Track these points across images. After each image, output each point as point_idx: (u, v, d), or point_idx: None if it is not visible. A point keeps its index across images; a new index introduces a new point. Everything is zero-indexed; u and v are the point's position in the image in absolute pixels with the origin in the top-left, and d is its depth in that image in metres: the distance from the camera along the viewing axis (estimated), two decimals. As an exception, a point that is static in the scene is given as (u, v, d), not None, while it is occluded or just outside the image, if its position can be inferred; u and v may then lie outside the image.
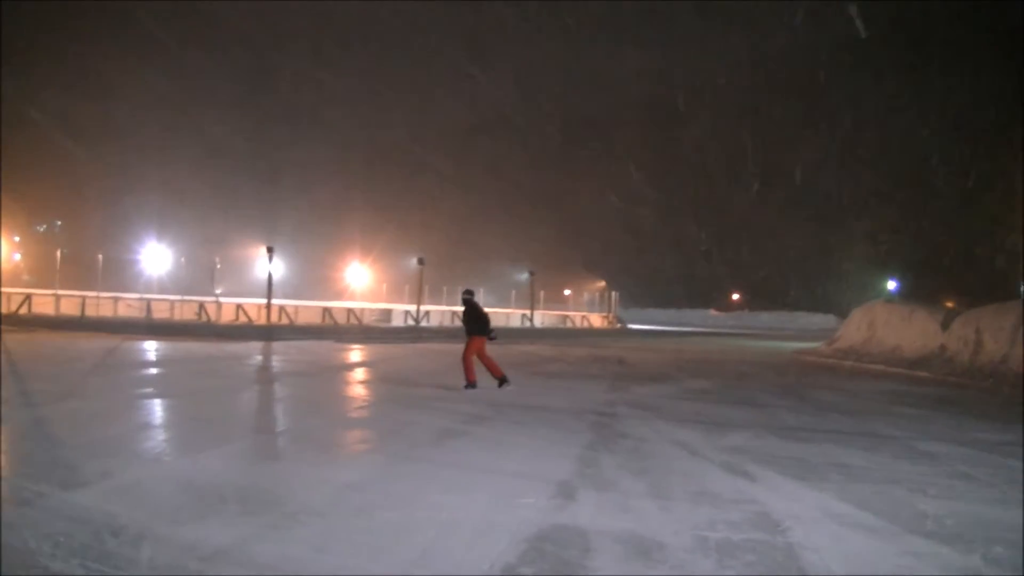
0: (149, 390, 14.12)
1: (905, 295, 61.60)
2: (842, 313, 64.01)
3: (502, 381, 15.02)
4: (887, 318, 29.90)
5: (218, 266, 46.53)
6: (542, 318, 59.37)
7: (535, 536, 5.85)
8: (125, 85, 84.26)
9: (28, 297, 38.42)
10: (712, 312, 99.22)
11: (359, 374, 18.99)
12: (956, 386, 20.01)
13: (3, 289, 40.70)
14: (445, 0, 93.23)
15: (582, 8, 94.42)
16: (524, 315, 56.67)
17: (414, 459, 8.67)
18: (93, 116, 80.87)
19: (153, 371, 17.50)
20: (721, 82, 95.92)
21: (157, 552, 5.26)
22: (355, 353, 25.11)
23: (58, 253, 43.79)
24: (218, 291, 45.16)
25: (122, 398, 12.89)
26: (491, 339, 15.55)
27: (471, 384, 14.86)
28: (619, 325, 65.30)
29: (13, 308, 37.34)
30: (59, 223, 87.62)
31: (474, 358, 15.10)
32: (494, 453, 9.15)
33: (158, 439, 9.46)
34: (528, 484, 7.56)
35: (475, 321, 15.51)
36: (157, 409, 12.01)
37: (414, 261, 51.09)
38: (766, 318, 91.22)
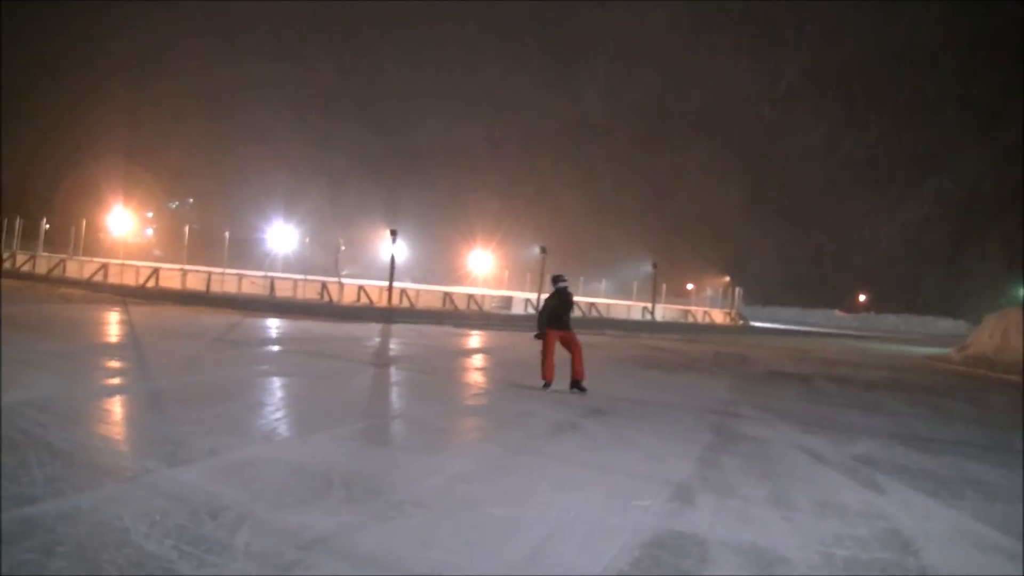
0: (264, 367, 14.04)
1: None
2: (972, 319, 61.95)
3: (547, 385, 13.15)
4: (1021, 326, 28.56)
5: (342, 248, 46.85)
6: (663, 312, 58.55)
7: (650, 542, 5.58)
8: (257, 69, 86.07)
9: (156, 271, 39.14)
10: (837, 312, 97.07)
11: (476, 360, 18.74)
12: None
13: (132, 262, 41.71)
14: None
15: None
16: (645, 308, 55.95)
17: (527, 452, 8.42)
18: (228, 100, 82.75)
19: (270, 349, 17.44)
20: (859, 73, 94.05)
21: (255, 537, 5.09)
22: (473, 339, 24.95)
23: (186, 229, 44.65)
24: (344, 272, 45.49)
25: (236, 375, 12.80)
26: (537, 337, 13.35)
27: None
28: (741, 322, 64.21)
29: (141, 281, 38.09)
30: (191, 200, 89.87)
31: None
32: (609, 450, 8.84)
33: (268, 419, 9.28)
34: (644, 485, 7.29)
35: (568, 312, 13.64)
36: (270, 388, 11.92)
37: (536, 250, 50.94)
38: (892, 321, 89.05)
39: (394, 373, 14.85)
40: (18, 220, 48.68)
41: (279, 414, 9.63)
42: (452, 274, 67.92)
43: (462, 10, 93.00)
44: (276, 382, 12.41)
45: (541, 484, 7.00)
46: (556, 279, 13.86)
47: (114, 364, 12.79)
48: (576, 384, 12.98)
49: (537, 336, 13.31)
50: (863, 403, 15.53)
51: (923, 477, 8.53)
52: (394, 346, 20.36)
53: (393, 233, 41.51)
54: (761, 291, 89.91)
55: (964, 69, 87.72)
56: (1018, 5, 72.89)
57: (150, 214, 78.49)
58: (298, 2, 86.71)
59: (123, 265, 40.81)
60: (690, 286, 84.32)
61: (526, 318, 40.62)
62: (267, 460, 7.13)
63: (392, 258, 40.94)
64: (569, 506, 6.33)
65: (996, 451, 11.06)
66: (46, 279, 39.29)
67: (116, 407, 9.38)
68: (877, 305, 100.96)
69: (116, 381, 11.15)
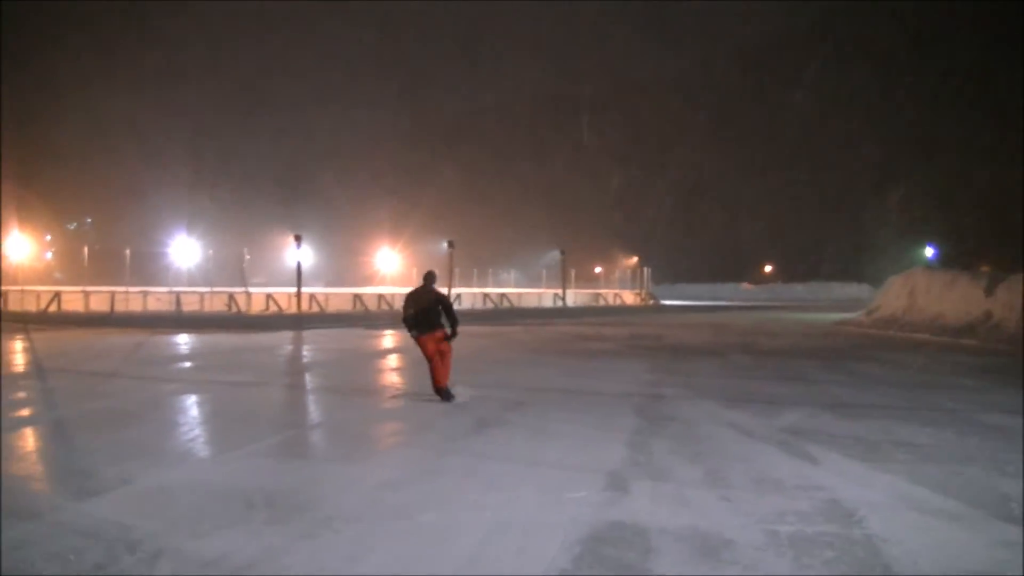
0: (173, 386, 13.61)
1: (941, 263, 60.59)
2: (876, 283, 63.31)
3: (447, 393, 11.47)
4: (927, 285, 29.23)
5: (247, 257, 46.28)
6: (574, 297, 58.92)
7: (589, 536, 5.38)
8: (147, 83, 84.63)
9: (57, 295, 38.38)
10: (745, 286, 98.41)
11: (390, 361, 18.52)
12: (1007, 354, 19.42)
13: (32, 288, 40.73)
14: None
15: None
16: (556, 295, 56.23)
17: (452, 452, 8.18)
18: (116, 115, 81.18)
19: (178, 366, 17.02)
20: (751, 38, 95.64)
21: (176, 569, 4.81)
22: (386, 339, 24.66)
23: (85, 250, 43.74)
24: (255, 280, 44.93)
25: (144, 397, 12.41)
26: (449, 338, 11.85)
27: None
28: (652, 301, 64.82)
29: (43, 306, 37.26)
30: (89, 220, 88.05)
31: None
32: (536, 443, 8.64)
33: (180, 440, 8.97)
34: (576, 476, 7.11)
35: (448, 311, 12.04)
36: (181, 407, 11.54)
37: (444, 244, 50.83)
38: (799, 290, 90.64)
39: (308, 381, 14.59)
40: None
41: (191, 434, 9.29)
42: (359, 274, 67.50)
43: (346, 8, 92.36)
44: (186, 401, 11.95)
45: (470, 485, 6.77)
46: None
47: (14, 396, 12.35)
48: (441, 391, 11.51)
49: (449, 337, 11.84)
50: (782, 374, 15.63)
51: (854, 444, 8.52)
52: (306, 353, 20.02)
53: (297, 238, 41.19)
54: (669, 269, 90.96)
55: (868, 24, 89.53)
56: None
57: (48, 237, 76.69)
58: (186, 9, 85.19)
59: (22, 291, 39.86)
60: (599, 269, 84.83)
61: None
62: (182, 485, 6.79)
63: (299, 264, 40.60)
64: (502, 505, 6.12)
65: (921, 411, 11.11)
66: (-60, 311, 38.13)
67: (20, 441, 8.97)
68: (783, 275, 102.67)
69: (18, 413, 10.72)
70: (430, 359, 11.52)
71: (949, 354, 19.71)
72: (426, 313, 11.76)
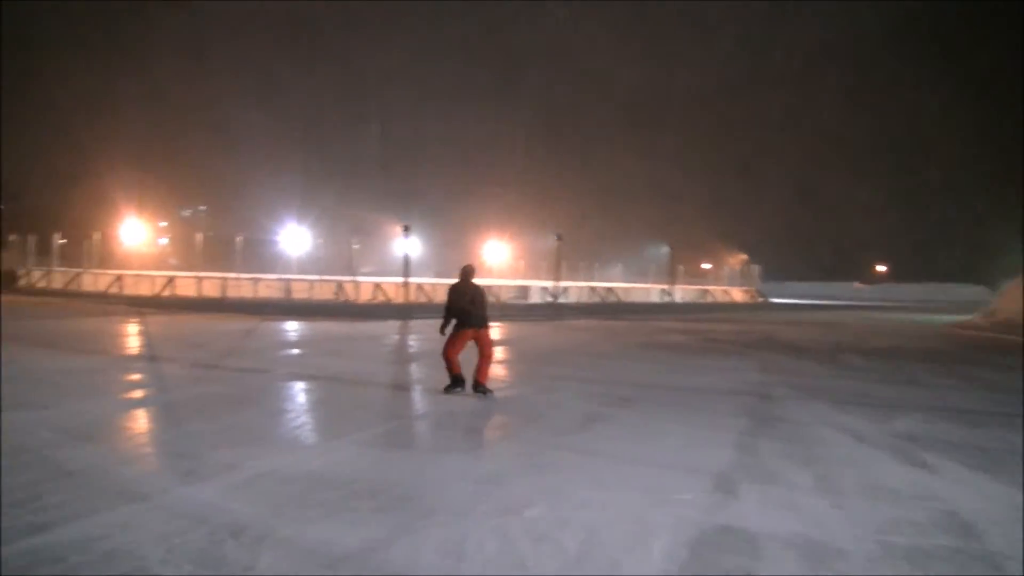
0: (280, 372, 13.64)
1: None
2: (993, 285, 61.29)
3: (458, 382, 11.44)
4: (1050, 288, 28.11)
5: (356, 246, 46.58)
6: (682, 293, 58.33)
7: (696, 540, 5.22)
8: (264, 71, 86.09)
9: (171, 279, 39.16)
10: (856, 285, 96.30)
11: (496, 353, 18.29)
12: None
13: (147, 272, 41.64)
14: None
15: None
16: (663, 290, 55.71)
17: (558, 447, 8.04)
18: (231, 105, 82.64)
19: (286, 352, 17.13)
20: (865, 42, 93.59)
21: (278, 558, 4.76)
22: (492, 331, 24.49)
23: (198, 236, 44.49)
24: (363, 269, 45.22)
25: (255, 383, 12.48)
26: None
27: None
28: (761, 299, 63.91)
29: (157, 291, 38.02)
30: (203, 208, 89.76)
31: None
32: (642, 440, 8.49)
33: (287, 426, 9.01)
34: (683, 476, 6.94)
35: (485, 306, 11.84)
36: (288, 393, 11.63)
37: (552, 238, 50.65)
38: (913, 290, 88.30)
39: (413, 371, 14.51)
40: (30, 237, 48.71)
41: (297, 421, 9.33)
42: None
43: (465, 5, 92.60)
44: (294, 387, 12.08)
45: (576, 481, 6.63)
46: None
47: (129, 377, 12.50)
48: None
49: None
50: (895, 376, 15.15)
51: (971, 453, 8.16)
52: (412, 343, 20.02)
53: (406, 229, 41.35)
54: (778, 267, 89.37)
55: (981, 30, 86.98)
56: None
57: (163, 223, 78.37)
58: (301, 4, 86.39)
59: (138, 276, 40.78)
60: (707, 266, 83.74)
61: (544, 307, 40.41)
62: (288, 471, 6.78)
63: (406, 254, 40.76)
64: (608, 504, 5.98)
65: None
66: (62, 293, 39.29)
67: (131, 423, 9.07)
68: (896, 275, 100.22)
69: (131, 395, 10.87)
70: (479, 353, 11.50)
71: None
72: (474, 308, 11.54)
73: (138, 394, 11.03)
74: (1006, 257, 69.14)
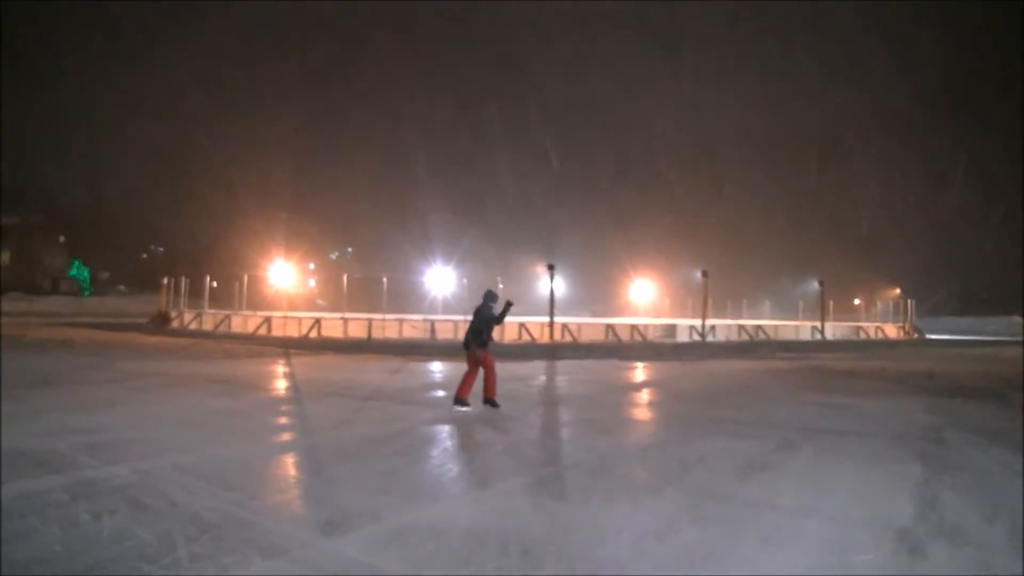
0: (427, 415, 13.31)
1: None
2: None
3: (463, 402, 13.53)
4: None
5: (501, 286, 46.66)
6: (833, 330, 56.57)
7: None
8: (403, 116, 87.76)
9: (317, 321, 39.67)
10: (1017, 319, 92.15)
11: (644, 395, 17.66)
12: None
13: (294, 314, 42.39)
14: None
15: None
16: (814, 327, 54.15)
17: (718, 498, 7.55)
18: (376, 150, 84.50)
19: (433, 395, 16.73)
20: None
21: None
22: (639, 371, 23.93)
23: (344, 277, 45.10)
24: (518, 309, 45.19)
25: (399, 426, 12.05)
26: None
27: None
28: (916, 335, 61.62)
29: (304, 332, 38.55)
30: (350, 250, 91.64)
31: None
32: (810, 490, 7.92)
33: (433, 474, 8.71)
34: (860, 532, 6.41)
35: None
36: (436, 438, 11.20)
37: (697, 274, 49.86)
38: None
39: (561, 414, 13.99)
40: (184, 279, 50.21)
41: (444, 468, 8.98)
42: (611, 304, 67.25)
43: (613, 43, 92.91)
44: (441, 431, 11.69)
45: (741, 538, 6.17)
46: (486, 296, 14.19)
47: (272, 420, 12.33)
48: (489, 401, 13.62)
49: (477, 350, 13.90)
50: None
51: None
52: (560, 384, 19.52)
53: (551, 268, 41.20)
54: (932, 301, 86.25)
55: None
56: None
57: (312, 266, 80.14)
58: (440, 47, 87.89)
59: (285, 317, 41.47)
60: (857, 301, 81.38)
61: (692, 346, 39.63)
62: (433, 524, 6.46)
63: (552, 293, 40.55)
64: (778, 565, 5.53)
65: None
66: (212, 335, 40.11)
67: (271, 469, 8.83)
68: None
69: (272, 439, 10.66)
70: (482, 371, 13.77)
71: None
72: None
73: (282, 438, 10.81)
74: None
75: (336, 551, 5.68)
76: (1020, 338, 63.14)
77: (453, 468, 9.02)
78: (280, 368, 21.83)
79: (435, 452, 10.07)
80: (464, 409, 13.31)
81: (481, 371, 13.90)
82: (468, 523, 6.48)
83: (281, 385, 17.87)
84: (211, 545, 5.67)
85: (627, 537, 6.12)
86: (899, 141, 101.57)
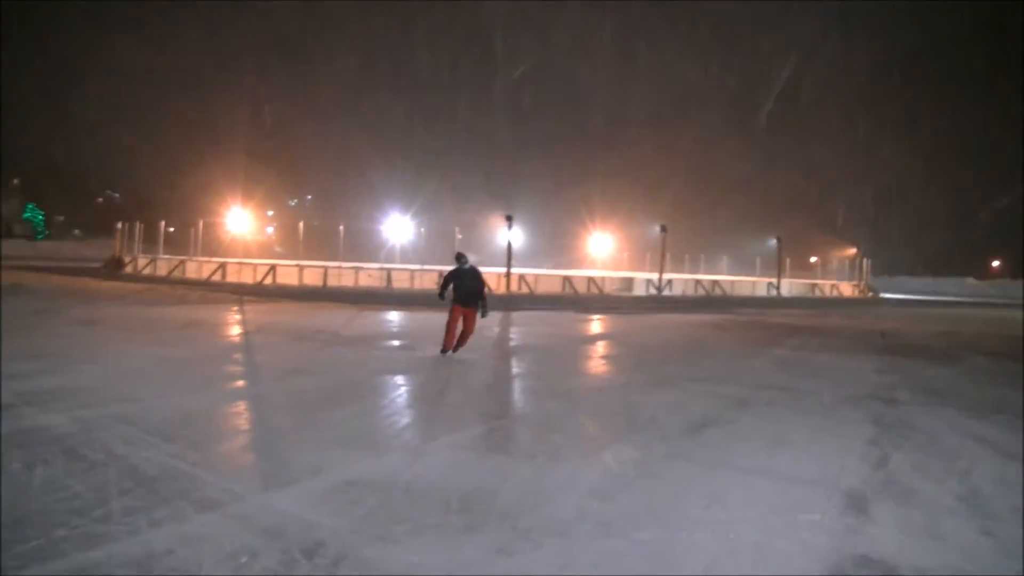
0: (375, 366, 13.18)
1: None
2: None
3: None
4: None
5: (459, 236, 46.41)
6: (789, 287, 56.98)
7: (829, 572, 4.69)
8: (371, 62, 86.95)
9: (272, 268, 39.46)
10: (971, 280, 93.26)
11: (599, 348, 17.61)
12: None
13: (249, 261, 42.15)
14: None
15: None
16: (770, 284, 54.48)
17: (669, 456, 7.42)
18: (337, 98, 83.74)
19: (384, 344, 16.58)
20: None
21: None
22: (595, 324, 23.90)
23: (300, 225, 44.81)
24: (475, 259, 45.11)
25: (345, 378, 11.91)
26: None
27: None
28: (871, 294, 62.24)
29: (258, 279, 38.37)
30: (309, 197, 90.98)
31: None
32: (761, 449, 7.82)
33: (377, 427, 8.50)
34: (809, 493, 6.33)
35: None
36: (381, 390, 11.04)
37: (656, 228, 49.92)
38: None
39: (515, 366, 13.90)
40: (139, 224, 49.73)
41: (392, 419, 8.82)
42: (570, 256, 67.26)
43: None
44: (391, 381, 11.56)
45: (689, 498, 6.04)
46: (457, 257, 14.81)
47: (220, 369, 12.15)
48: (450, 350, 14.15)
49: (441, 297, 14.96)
50: (1025, 381, 14.07)
51: None
52: (514, 336, 19.41)
53: (509, 219, 41.13)
54: (888, 262, 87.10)
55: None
56: None
57: (270, 212, 79.49)
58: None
59: (240, 264, 41.24)
60: (814, 259, 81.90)
61: (649, 299, 39.73)
62: (374, 479, 6.29)
63: (509, 244, 40.46)
64: (726, 525, 5.42)
65: None
66: (166, 280, 39.86)
67: (215, 419, 8.62)
68: (1013, 270, 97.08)
69: (219, 388, 10.48)
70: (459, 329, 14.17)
71: None
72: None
73: (229, 387, 10.67)
74: None
75: (272, 505, 5.50)
76: (973, 299, 63.99)
77: (401, 420, 8.83)
78: (232, 315, 21.57)
79: (384, 403, 9.88)
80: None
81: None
82: (412, 477, 6.35)
83: (232, 332, 17.65)
84: (145, 498, 5.47)
85: (573, 494, 6.02)
86: (857, 104, 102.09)
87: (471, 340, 14.32)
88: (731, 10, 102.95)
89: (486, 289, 14.65)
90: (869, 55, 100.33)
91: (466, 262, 14.53)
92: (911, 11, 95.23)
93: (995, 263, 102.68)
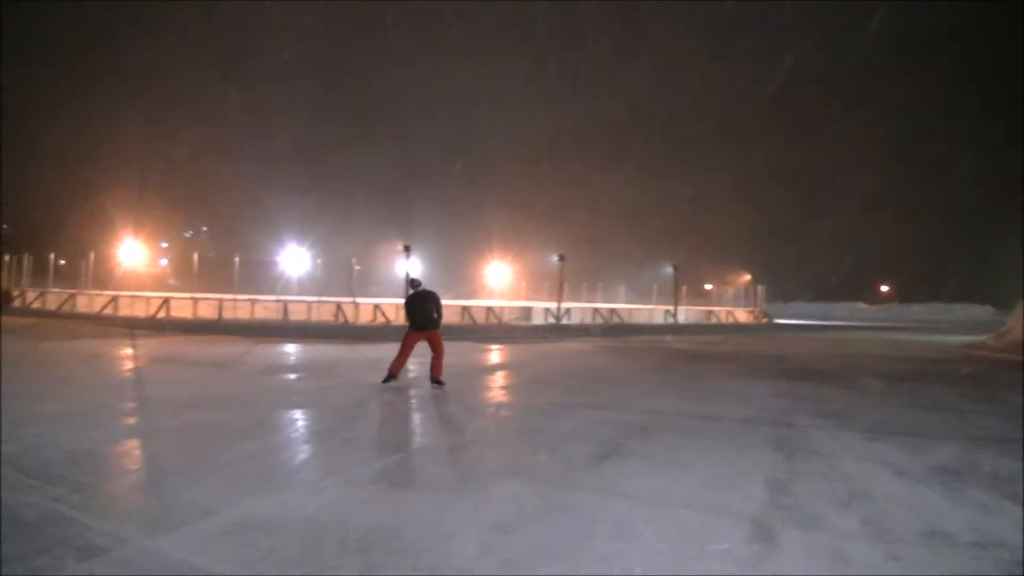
0: (269, 400, 12.80)
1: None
2: (1000, 305, 60.93)
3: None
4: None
5: (357, 267, 46.16)
6: (686, 314, 57.80)
7: None
8: (266, 93, 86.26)
9: (166, 301, 38.70)
10: (861, 305, 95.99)
11: (499, 378, 17.51)
12: None
13: (142, 294, 41.34)
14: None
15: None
16: (667, 311, 55.17)
17: (573, 486, 7.29)
18: (235, 126, 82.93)
19: (278, 378, 16.27)
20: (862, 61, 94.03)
21: None
22: (494, 354, 23.85)
23: (195, 256, 44.13)
24: (366, 291, 44.85)
25: (237, 415, 11.57)
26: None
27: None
28: (765, 320, 63.47)
29: (152, 312, 37.65)
30: (205, 228, 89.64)
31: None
32: (665, 477, 7.72)
33: (272, 463, 8.21)
34: (715, 521, 6.21)
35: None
36: (276, 425, 10.76)
37: (554, 258, 50.25)
38: (919, 310, 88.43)
39: (413, 397, 13.70)
40: (27, 256, 48.52)
41: (285, 457, 8.53)
42: (469, 286, 67.31)
43: (468, 30, 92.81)
44: (284, 416, 11.24)
45: (595, 530, 5.90)
46: (411, 283, 15.41)
47: (108, 406, 11.74)
48: (436, 381, 14.25)
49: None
50: (920, 402, 14.33)
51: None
52: (412, 366, 19.21)
53: (407, 249, 41.00)
54: (782, 288, 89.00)
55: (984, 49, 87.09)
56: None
57: (165, 244, 78.14)
58: (305, 27, 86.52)
59: (133, 297, 40.48)
60: (709, 286, 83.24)
61: (548, 328, 39.85)
62: (269, 518, 6.03)
63: (407, 275, 40.35)
64: (634, 557, 5.29)
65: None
66: (56, 315, 38.80)
67: (102, 460, 8.26)
68: (901, 295, 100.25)
69: (107, 427, 10.07)
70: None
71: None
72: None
73: (118, 425, 10.27)
74: (1010, 277, 69.14)
75: (158, 550, 5.21)
76: (863, 323, 65.64)
77: (298, 455, 8.58)
78: (122, 350, 21.02)
79: (281, 439, 9.60)
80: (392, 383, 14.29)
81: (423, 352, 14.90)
82: (308, 516, 6.09)
83: (123, 367, 17.19)
84: (24, 545, 5.20)
85: (476, 529, 5.83)
86: (749, 134, 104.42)
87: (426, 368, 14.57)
88: (625, 44, 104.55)
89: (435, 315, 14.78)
90: (759, 88, 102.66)
91: (420, 285, 14.91)
92: (791, 44, 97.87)
93: (884, 288, 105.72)
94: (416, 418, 11.71)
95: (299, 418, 11.11)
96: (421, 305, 14.42)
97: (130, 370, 16.52)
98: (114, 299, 40.33)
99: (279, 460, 8.32)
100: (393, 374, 14.23)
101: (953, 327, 55.85)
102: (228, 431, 9.84)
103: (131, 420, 10.67)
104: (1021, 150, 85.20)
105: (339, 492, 6.87)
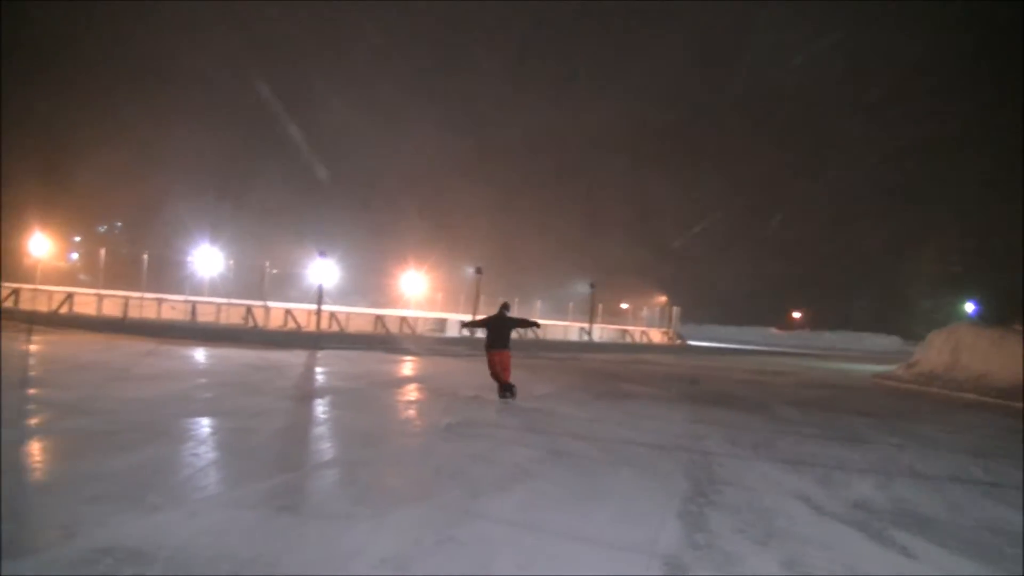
0: (163, 409, 11.99)
1: (984, 320, 59.18)
2: (907, 335, 62.18)
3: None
4: (973, 342, 28.10)
5: (273, 271, 45.37)
6: (601, 332, 57.95)
7: None
8: (186, 88, 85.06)
9: (69, 296, 37.54)
10: (773, 330, 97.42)
11: (407, 394, 17.01)
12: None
13: (45, 288, 40.09)
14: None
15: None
16: (582, 328, 55.27)
17: (476, 515, 6.81)
18: (153, 121, 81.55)
19: (179, 383, 15.58)
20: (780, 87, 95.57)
21: None
22: (405, 367, 23.41)
23: (102, 251, 43.03)
24: (278, 295, 44.20)
25: (126, 420, 10.89)
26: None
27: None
28: (679, 341, 63.89)
29: (54, 307, 36.54)
30: (119, 224, 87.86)
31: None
32: (575, 508, 7.30)
33: (145, 480, 7.48)
34: (628, 560, 5.81)
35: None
36: (161, 437, 9.99)
37: (471, 270, 50.05)
38: (829, 338, 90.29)
39: (315, 411, 13.17)
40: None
41: (164, 472, 7.86)
42: (384, 295, 66.76)
43: (385, 40, 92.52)
44: (173, 426, 10.53)
45: (498, 566, 5.46)
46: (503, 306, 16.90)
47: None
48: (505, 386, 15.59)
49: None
50: (836, 432, 14.24)
51: (946, 530, 7.27)
52: (320, 377, 18.69)
53: (322, 253, 40.46)
54: (697, 310, 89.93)
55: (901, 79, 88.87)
56: None
57: (77, 238, 76.34)
58: (219, 25, 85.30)
59: (35, 290, 39.19)
60: (625, 305, 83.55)
61: (461, 341, 39.57)
62: (136, 544, 5.41)
63: (320, 281, 39.80)
64: None
65: (1010, 489, 9.80)
66: (-52, 307, 37.48)
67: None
68: (812, 322, 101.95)
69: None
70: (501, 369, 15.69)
71: (1006, 417, 18.55)
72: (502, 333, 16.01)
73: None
74: (917, 308, 70.76)
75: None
76: (772, 348, 66.60)
77: (180, 471, 7.93)
78: (11, 346, 20.15)
79: (165, 451, 8.87)
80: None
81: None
82: (181, 542, 5.51)
83: (15, 364, 16.45)
84: None
85: (366, 562, 5.35)
86: (667, 156, 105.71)
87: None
88: (554, 63, 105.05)
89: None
90: (672, 108, 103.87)
91: (508, 309, 16.81)
92: (708, 76, 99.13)
93: (796, 314, 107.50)
94: (313, 434, 11.08)
95: (189, 428, 10.47)
96: (499, 325, 16.14)
97: (16, 368, 15.76)
98: (15, 291, 39.07)
99: (158, 475, 7.66)
100: (503, 384, 15.65)
101: (862, 356, 57.13)
102: (110, 441, 9.13)
103: (4, 428, 9.96)
104: (928, 190, 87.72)
105: (219, 514, 6.28)
